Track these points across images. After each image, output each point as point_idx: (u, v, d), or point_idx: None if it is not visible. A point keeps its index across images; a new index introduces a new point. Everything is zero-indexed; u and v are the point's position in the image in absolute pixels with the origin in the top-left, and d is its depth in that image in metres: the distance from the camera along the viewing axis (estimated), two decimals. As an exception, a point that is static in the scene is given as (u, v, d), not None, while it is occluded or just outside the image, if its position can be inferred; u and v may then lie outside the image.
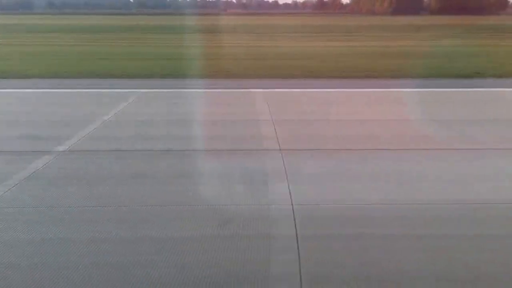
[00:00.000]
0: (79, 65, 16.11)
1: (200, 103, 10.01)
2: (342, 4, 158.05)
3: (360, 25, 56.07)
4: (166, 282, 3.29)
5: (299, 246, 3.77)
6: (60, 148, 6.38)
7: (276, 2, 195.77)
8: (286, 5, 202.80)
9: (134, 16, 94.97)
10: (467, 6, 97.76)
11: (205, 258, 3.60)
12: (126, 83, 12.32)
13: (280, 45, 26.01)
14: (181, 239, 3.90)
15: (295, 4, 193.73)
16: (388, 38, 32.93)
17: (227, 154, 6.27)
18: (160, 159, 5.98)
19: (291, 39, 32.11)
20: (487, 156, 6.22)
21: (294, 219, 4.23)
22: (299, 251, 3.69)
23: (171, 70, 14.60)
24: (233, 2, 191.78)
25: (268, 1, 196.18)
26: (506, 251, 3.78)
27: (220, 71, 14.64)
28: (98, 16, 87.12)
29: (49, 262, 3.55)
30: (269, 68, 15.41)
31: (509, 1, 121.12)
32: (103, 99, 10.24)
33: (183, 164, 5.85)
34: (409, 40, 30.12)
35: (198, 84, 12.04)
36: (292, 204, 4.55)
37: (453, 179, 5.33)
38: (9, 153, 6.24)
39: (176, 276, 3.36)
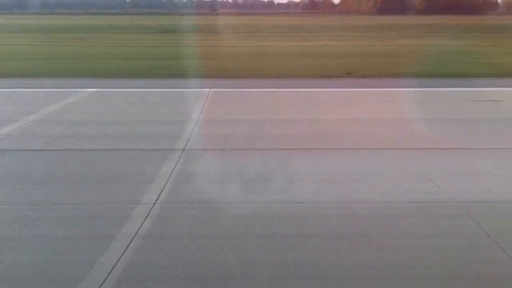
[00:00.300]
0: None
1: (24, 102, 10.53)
2: (333, 4, 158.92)
3: (332, 25, 56.67)
4: None
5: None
6: None
7: (272, 2, 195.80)
8: (279, 5, 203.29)
9: (126, 16, 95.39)
10: (453, 5, 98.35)
11: None
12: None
13: (219, 45, 26.82)
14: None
15: (289, 4, 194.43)
16: (341, 37, 33.76)
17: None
18: None
19: (244, 39, 32.89)
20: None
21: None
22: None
23: (87, 70, 15.46)
24: (229, 2, 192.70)
25: (263, 1, 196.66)
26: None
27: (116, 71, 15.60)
28: (90, 16, 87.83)
29: None
30: (151, 67, 16.18)
31: (497, 2, 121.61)
32: None
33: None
34: (358, 40, 31.00)
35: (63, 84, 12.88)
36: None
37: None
38: None
39: None
